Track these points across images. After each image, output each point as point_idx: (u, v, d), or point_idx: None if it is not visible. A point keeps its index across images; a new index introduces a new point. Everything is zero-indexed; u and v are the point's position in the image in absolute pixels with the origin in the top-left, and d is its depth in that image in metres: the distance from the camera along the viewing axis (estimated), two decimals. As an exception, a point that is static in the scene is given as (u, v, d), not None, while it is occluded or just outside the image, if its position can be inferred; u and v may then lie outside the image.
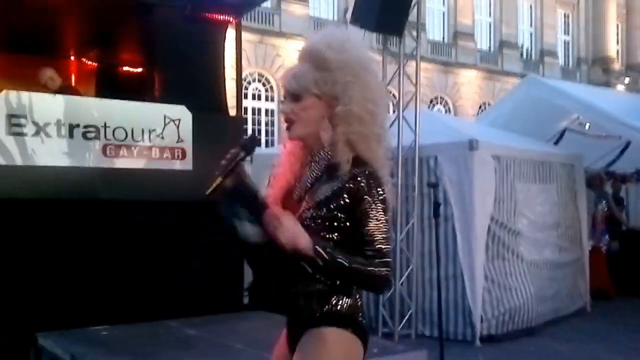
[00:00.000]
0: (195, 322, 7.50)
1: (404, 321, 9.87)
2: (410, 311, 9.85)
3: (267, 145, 28.88)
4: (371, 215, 2.77)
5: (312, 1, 35.11)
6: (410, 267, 9.86)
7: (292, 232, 2.66)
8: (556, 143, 13.30)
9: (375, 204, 2.78)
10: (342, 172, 2.79)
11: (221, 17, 9.46)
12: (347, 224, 2.80)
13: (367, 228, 2.76)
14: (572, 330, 10.67)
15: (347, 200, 2.78)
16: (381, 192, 2.81)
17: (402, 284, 9.90)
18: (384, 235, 2.79)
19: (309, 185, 2.88)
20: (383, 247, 2.77)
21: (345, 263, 2.70)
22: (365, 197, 2.77)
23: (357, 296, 2.93)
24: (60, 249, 7.75)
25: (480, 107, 40.87)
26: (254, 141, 2.89)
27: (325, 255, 2.68)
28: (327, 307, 2.85)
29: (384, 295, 9.86)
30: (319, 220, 2.80)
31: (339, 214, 2.79)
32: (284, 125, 2.88)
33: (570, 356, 9.20)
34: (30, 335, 6.76)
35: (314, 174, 2.89)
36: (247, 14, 11.81)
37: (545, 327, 10.48)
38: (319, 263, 2.69)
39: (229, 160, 2.80)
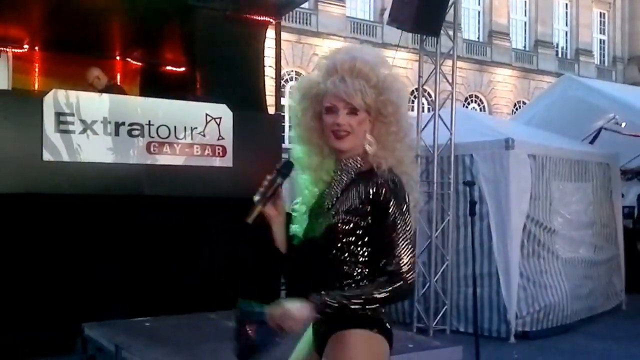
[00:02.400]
0: (234, 314, 7.59)
1: (439, 317, 9.95)
2: (445, 307, 9.93)
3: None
4: (397, 227, 2.85)
5: (349, 1, 35.14)
6: (446, 264, 9.93)
7: (291, 315, 2.75)
8: (592, 142, 13.23)
9: (401, 214, 2.87)
10: (372, 181, 2.89)
11: (261, 18, 9.63)
12: (373, 229, 2.88)
13: (391, 238, 2.85)
14: (607, 328, 10.64)
15: (372, 208, 2.87)
16: (406, 202, 2.90)
17: (437, 280, 9.98)
18: (406, 244, 2.86)
19: (339, 192, 2.96)
20: (404, 258, 2.84)
21: (359, 300, 2.80)
22: (390, 206, 2.86)
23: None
24: (105, 243, 7.95)
25: (514, 106, 40.64)
26: (290, 166, 2.98)
27: (333, 304, 2.76)
28: (353, 310, 2.83)
29: (419, 291, 9.98)
30: (348, 227, 2.88)
31: (364, 222, 2.88)
32: (335, 135, 2.92)
33: (605, 354, 9.18)
34: (77, 326, 6.89)
35: (344, 182, 2.97)
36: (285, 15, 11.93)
37: (580, 325, 10.45)
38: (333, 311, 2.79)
39: (267, 187, 2.93)
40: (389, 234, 2.85)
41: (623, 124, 12.97)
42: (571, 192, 10.82)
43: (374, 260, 2.88)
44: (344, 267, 2.91)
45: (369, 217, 2.87)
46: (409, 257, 2.84)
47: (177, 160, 8.44)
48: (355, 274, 2.91)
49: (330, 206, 2.95)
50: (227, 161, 8.71)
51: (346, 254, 2.91)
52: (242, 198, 8.76)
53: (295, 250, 3.01)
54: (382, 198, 2.86)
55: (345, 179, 2.98)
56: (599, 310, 11.26)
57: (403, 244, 2.85)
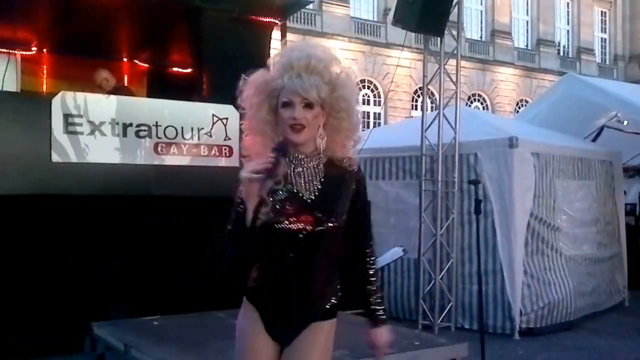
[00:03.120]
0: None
1: (444, 314, 10.03)
2: (450, 304, 10.00)
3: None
4: (369, 214, 3.35)
5: (352, 2, 35.22)
6: (450, 262, 9.99)
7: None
8: (594, 140, 13.29)
9: (368, 202, 3.36)
10: (345, 169, 3.22)
11: (267, 19, 9.70)
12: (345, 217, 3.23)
13: (368, 225, 3.37)
14: (611, 324, 10.70)
15: (352, 193, 3.25)
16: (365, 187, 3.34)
17: (442, 277, 10.05)
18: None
19: (318, 188, 3.15)
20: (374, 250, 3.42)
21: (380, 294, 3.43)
22: (363, 196, 3.30)
23: None
24: (114, 243, 8.00)
25: (517, 104, 40.71)
26: (284, 146, 3.08)
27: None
28: (337, 298, 3.29)
29: (424, 288, 10.06)
30: (340, 212, 3.17)
31: (350, 206, 3.24)
32: (292, 128, 3.07)
33: (608, 350, 9.23)
34: (86, 325, 6.95)
35: (318, 177, 3.17)
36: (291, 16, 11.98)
37: (584, 322, 10.52)
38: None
39: (273, 164, 2.99)
40: (363, 221, 3.34)
41: (625, 122, 13.02)
42: (574, 189, 10.89)
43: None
44: (332, 255, 3.23)
45: (351, 212, 3.24)
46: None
47: (184, 160, 8.50)
48: (338, 260, 3.28)
49: (311, 202, 3.13)
50: (233, 161, 8.75)
51: (334, 247, 3.21)
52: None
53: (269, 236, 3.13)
54: (361, 192, 3.29)
55: (315, 172, 3.18)
56: (602, 307, 11.34)
57: (372, 234, 3.38)
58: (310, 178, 3.16)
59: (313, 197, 3.13)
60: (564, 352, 9.07)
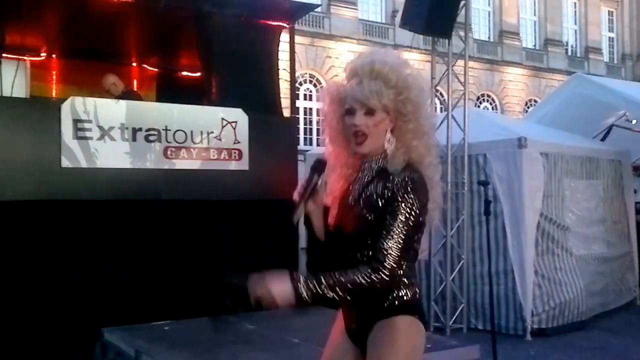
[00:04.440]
0: (253, 317, 7.64)
1: (456, 315, 10.02)
2: (461, 305, 9.99)
3: (318, 144, 29.05)
4: (397, 220, 2.93)
5: (360, 4, 35.27)
6: (461, 263, 9.99)
7: (272, 299, 2.86)
8: (603, 139, 13.26)
9: (407, 209, 2.94)
10: (388, 178, 3.01)
11: (275, 23, 9.72)
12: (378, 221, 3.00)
13: (389, 229, 2.93)
14: (622, 323, 10.69)
15: (385, 205, 2.98)
16: (417, 199, 2.96)
17: (453, 279, 10.04)
18: (401, 240, 2.92)
19: (360, 190, 3.09)
20: (393, 253, 2.91)
21: (334, 292, 2.88)
22: (397, 199, 2.95)
23: (416, 287, 3.15)
24: (124, 248, 8.01)
25: (526, 104, 40.66)
26: (321, 162, 3.12)
27: (311, 292, 2.87)
28: (391, 297, 3.03)
29: (436, 290, 10.05)
30: (366, 223, 3.01)
31: (378, 218, 2.98)
32: (356, 137, 3.04)
33: (621, 349, 9.20)
34: (97, 330, 6.91)
35: (366, 179, 3.10)
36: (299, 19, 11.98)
37: (595, 321, 10.50)
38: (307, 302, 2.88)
39: (305, 185, 3.07)
40: (389, 224, 2.92)
41: (634, 121, 12.99)
42: (583, 189, 10.88)
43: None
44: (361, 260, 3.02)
45: (382, 214, 2.97)
46: (398, 253, 2.90)
47: (193, 164, 8.51)
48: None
49: (353, 203, 3.08)
50: (243, 164, 8.78)
51: (364, 249, 3.01)
52: (258, 200, 8.86)
53: (324, 242, 3.18)
54: (393, 193, 2.96)
55: (367, 177, 3.10)
56: (613, 306, 11.32)
57: (398, 239, 2.91)
58: (359, 186, 3.12)
59: (355, 200, 3.09)
60: (576, 352, 9.04)
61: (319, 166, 3.10)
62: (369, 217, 3.00)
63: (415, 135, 3.07)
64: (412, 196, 2.95)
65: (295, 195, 3.07)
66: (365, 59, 3.06)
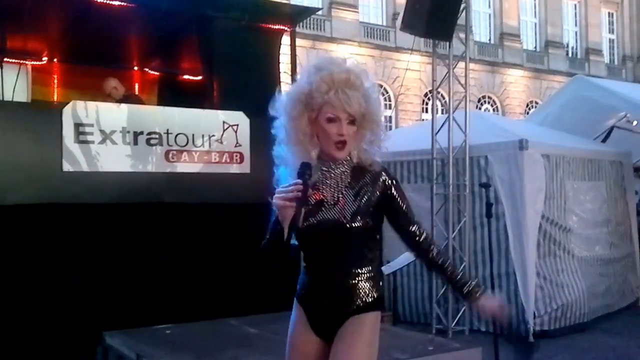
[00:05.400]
0: (255, 320, 7.65)
1: (458, 317, 10.01)
2: (463, 307, 9.97)
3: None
4: (403, 199, 3.42)
5: (361, 7, 35.37)
6: (463, 265, 9.96)
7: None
8: (604, 141, 13.27)
9: (401, 190, 3.43)
10: (369, 172, 3.36)
11: (276, 26, 9.73)
12: (378, 211, 3.37)
13: (404, 209, 3.43)
14: (625, 325, 10.66)
15: (377, 194, 3.34)
16: (397, 180, 3.44)
17: (455, 281, 10.01)
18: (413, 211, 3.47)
19: (342, 193, 3.34)
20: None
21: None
22: (392, 188, 3.39)
23: None
24: (126, 251, 8.01)
25: (527, 106, 40.73)
26: (308, 166, 3.20)
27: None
28: (377, 291, 3.40)
29: (438, 292, 10.05)
30: (362, 213, 3.30)
31: (374, 207, 3.34)
32: (337, 144, 3.26)
33: (623, 351, 9.19)
34: (98, 334, 7.00)
35: (342, 180, 3.36)
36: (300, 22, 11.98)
37: (598, 323, 10.48)
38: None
39: (300, 192, 3.12)
40: (400, 207, 3.42)
41: (635, 122, 13.00)
42: (585, 190, 10.88)
43: (378, 231, 3.44)
44: (362, 253, 3.38)
45: (375, 202, 3.34)
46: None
47: (195, 167, 8.50)
48: (370, 256, 3.41)
49: (337, 201, 3.33)
50: (244, 167, 8.77)
51: (363, 246, 3.38)
52: (260, 204, 8.87)
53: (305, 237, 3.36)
54: (391, 192, 3.39)
55: (343, 176, 3.37)
56: (616, 308, 11.29)
57: (413, 212, 3.47)
58: (336, 184, 3.36)
59: (336, 201, 3.31)
60: (579, 354, 9.03)
61: (308, 170, 3.19)
62: (371, 210, 3.32)
63: (373, 141, 3.38)
64: (398, 182, 3.46)
65: (287, 202, 3.14)
66: (340, 68, 3.25)
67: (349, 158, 3.35)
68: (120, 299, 7.85)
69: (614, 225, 11.64)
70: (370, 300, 3.35)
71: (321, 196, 3.32)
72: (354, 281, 3.34)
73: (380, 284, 3.44)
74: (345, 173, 3.35)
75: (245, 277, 8.53)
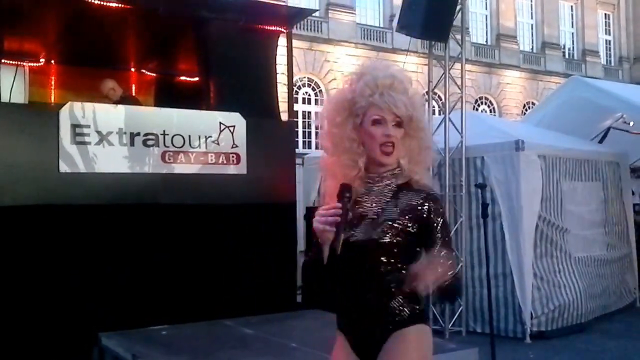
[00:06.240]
0: (251, 321, 7.65)
1: (455, 318, 10.03)
2: (460, 308, 10.00)
3: (317, 147, 29.07)
4: (444, 237, 3.17)
5: (358, 9, 35.35)
6: (460, 265, 9.96)
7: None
8: (601, 141, 13.29)
9: (444, 227, 3.19)
10: (413, 191, 3.18)
11: (273, 27, 9.73)
12: (414, 231, 3.13)
13: (444, 238, 3.17)
14: (622, 326, 10.70)
15: (420, 225, 3.14)
16: (445, 215, 3.25)
17: (451, 282, 10.03)
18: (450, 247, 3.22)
19: (383, 204, 3.19)
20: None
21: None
22: (438, 223, 3.17)
23: None
24: (122, 252, 8.01)
25: (524, 107, 40.72)
26: (347, 189, 3.09)
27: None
28: (415, 304, 3.17)
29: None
30: (399, 229, 3.12)
31: (411, 237, 3.14)
32: (385, 147, 3.14)
33: (621, 352, 9.20)
34: (94, 335, 6.98)
35: (386, 193, 3.21)
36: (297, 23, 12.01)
37: (595, 324, 10.50)
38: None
39: (339, 216, 3.03)
40: (439, 232, 3.16)
41: (631, 123, 13.01)
42: (582, 191, 10.90)
43: (409, 252, 3.16)
44: (397, 268, 3.14)
45: (415, 233, 3.14)
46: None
47: (192, 168, 8.50)
48: (405, 270, 3.13)
49: (376, 216, 3.17)
50: (241, 169, 8.77)
51: (398, 262, 3.14)
52: (256, 204, 8.88)
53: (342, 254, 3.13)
54: (430, 215, 3.15)
55: (386, 190, 3.22)
56: (613, 308, 11.32)
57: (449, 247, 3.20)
58: (378, 199, 3.20)
59: (375, 216, 3.16)
60: (576, 355, 9.05)
61: (348, 192, 3.09)
62: (412, 230, 3.12)
63: (426, 153, 3.25)
64: (444, 213, 3.24)
65: (327, 227, 3.03)
66: (385, 72, 3.16)
67: (397, 171, 3.22)
68: (116, 300, 7.85)
69: (611, 225, 11.66)
70: (407, 313, 3.15)
71: (362, 210, 3.20)
72: (388, 298, 3.17)
73: (419, 298, 3.19)
74: (390, 186, 3.21)
75: (242, 277, 8.56)
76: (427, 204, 3.16)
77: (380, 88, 3.10)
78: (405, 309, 3.16)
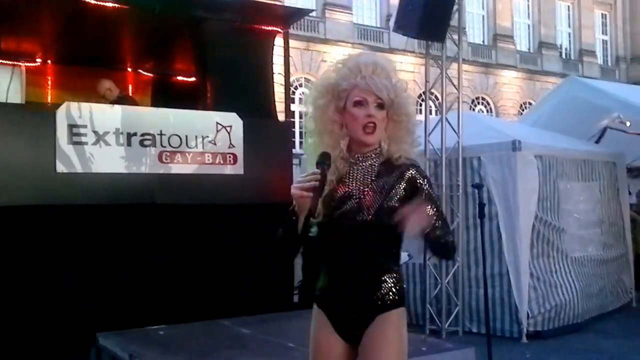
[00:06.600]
0: (248, 321, 7.65)
1: (451, 318, 10.03)
2: (457, 308, 10.00)
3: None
4: (432, 197, 3.32)
5: (355, 9, 35.42)
6: (456, 265, 10.00)
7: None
8: (597, 141, 13.29)
9: (430, 187, 3.34)
10: (397, 167, 3.30)
11: (270, 27, 9.73)
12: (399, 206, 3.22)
13: (433, 207, 3.27)
14: (618, 325, 10.68)
15: (405, 191, 3.27)
16: (428, 178, 3.39)
17: (448, 281, 10.05)
18: (442, 209, 3.43)
19: (371, 179, 3.30)
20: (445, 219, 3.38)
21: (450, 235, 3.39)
22: (421, 184, 3.30)
23: None
24: (119, 252, 8.02)
25: (521, 107, 40.78)
26: (327, 156, 3.19)
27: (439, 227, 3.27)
28: (400, 288, 3.35)
29: (431, 292, 10.07)
30: (388, 209, 3.21)
31: (401, 202, 3.22)
32: (366, 128, 3.24)
33: (617, 352, 9.18)
34: (91, 335, 6.96)
35: (371, 172, 3.31)
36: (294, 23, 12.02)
37: (591, 323, 10.49)
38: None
39: (317, 181, 3.09)
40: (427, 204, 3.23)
41: (628, 123, 13.02)
42: (579, 191, 10.91)
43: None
44: (387, 250, 3.33)
45: (402, 194, 3.27)
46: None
47: (188, 169, 8.50)
48: (395, 253, 3.39)
49: (362, 196, 3.27)
50: (238, 169, 8.77)
51: (387, 243, 3.31)
52: (253, 204, 8.86)
53: (332, 231, 3.27)
54: (420, 187, 3.30)
55: (370, 170, 3.32)
56: (609, 308, 11.32)
57: (441, 210, 3.39)
58: (362, 178, 3.30)
59: (362, 196, 3.26)
60: (572, 354, 9.04)
61: (327, 160, 3.17)
62: (397, 205, 3.20)
63: (405, 137, 3.34)
64: (429, 179, 3.40)
65: (304, 193, 3.10)
66: (366, 59, 3.28)
67: (378, 151, 3.32)
68: (113, 300, 7.86)
69: (608, 225, 11.67)
70: (394, 298, 3.30)
71: (346, 189, 3.28)
72: (378, 279, 3.29)
73: (403, 280, 3.40)
74: (373, 166, 3.31)
75: (239, 278, 8.57)
76: (410, 171, 3.29)
77: (363, 72, 3.21)
78: (393, 289, 3.31)
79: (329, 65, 3.46)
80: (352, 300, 3.28)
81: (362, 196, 3.26)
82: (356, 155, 3.32)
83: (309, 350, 3.42)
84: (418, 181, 3.30)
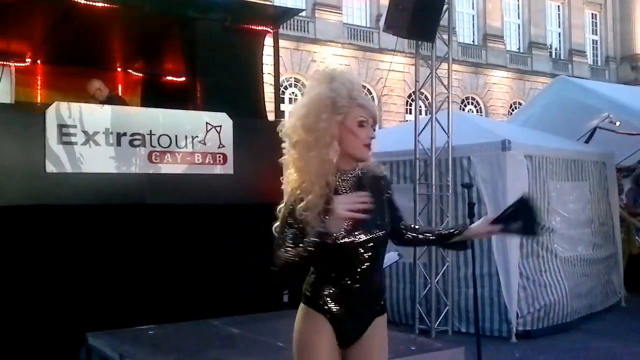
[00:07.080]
0: (237, 320, 7.66)
1: (441, 318, 10.02)
2: (446, 308, 10.01)
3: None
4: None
5: (345, 9, 35.46)
6: (446, 265, 10.00)
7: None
8: (587, 141, 13.33)
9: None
10: (377, 179, 3.55)
11: (259, 27, 9.74)
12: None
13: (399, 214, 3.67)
14: (608, 325, 10.70)
15: (386, 198, 3.59)
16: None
17: (437, 281, 10.05)
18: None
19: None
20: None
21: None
22: (391, 196, 3.63)
23: None
24: (109, 252, 8.01)
25: (511, 107, 40.90)
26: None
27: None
28: (384, 295, 3.64)
29: (420, 292, 10.08)
30: (385, 219, 3.51)
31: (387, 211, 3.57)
32: (367, 148, 3.42)
33: (606, 352, 9.20)
34: (81, 335, 6.96)
35: (354, 184, 3.45)
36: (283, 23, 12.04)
37: (581, 323, 10.50)
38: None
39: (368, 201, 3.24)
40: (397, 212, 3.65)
41: (617, 123, 13.07)
42: (568, 191, 10.92)
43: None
44: (382, 257, 3.53)
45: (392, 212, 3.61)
46: None
47: (178, 168, 8.48)
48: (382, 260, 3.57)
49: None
50: (228, 168, 8.76)
51: (383, 253, 3.52)
52: (243, 204, 8.86)
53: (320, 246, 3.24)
54: (392, 192, 3.64)
55: (351, 183, 3.45)
56: (599, 308, 11.33)
57: None
58: (358, 191, 3.38)
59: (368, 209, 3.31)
60: (561, 354, 9.05)
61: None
62: (388, 214, 3.53)
63: None
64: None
65: (354, 215, 3.17)
66: (353, 78, 3.44)
67: (357, 167, 3.48)
68: (103, 300, 7.85)
69: (597, 225, 11.68)
70: (382, 302, 3.58)
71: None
72: (379, 287, 3.56)
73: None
74: (354, 180, 3.45)
75: (228, 277, 8.57)
76: (383, 184, 3.57)
77: (356, 91, 3.35)
78: (383, 296, 3.60)
79: (318, 65, 3.54)
80: (361, 308, 3.45)
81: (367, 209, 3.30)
82: (347, 170, 3.43)
83: (297, 350, 3.44)
84: (389, 188, 3.62)
